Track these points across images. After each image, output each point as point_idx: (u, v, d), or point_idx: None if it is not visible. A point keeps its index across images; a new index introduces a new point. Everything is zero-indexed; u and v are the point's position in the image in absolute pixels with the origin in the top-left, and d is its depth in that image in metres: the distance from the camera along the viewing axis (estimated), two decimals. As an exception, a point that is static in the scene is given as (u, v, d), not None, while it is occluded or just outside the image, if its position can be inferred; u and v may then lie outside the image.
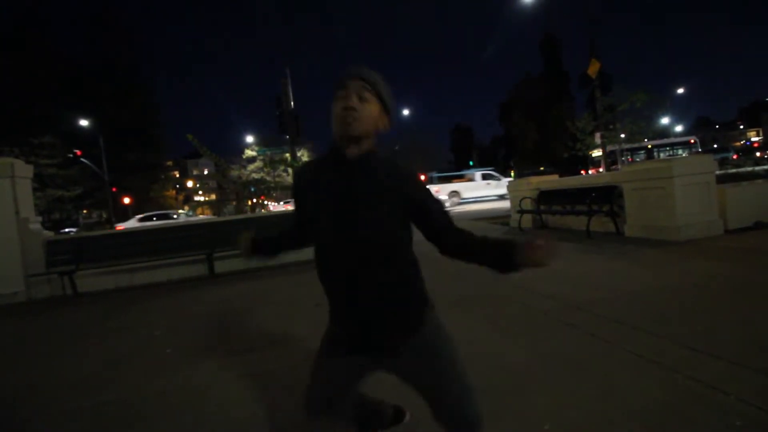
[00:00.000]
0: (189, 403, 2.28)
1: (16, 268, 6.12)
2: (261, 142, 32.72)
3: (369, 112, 1.14)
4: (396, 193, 1.14)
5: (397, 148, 37.66)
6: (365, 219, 1.12)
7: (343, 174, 1.14)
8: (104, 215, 36.11)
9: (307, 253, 1.32)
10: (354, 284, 1.14)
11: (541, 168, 34.73)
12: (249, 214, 8.42)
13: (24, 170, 6.61)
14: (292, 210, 1.41)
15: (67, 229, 28.44)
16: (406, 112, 37.64)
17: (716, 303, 2.91)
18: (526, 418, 1.78)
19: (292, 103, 13.31)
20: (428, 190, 1.22)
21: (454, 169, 35.20)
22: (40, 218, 6.96)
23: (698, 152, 23.33)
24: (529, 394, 1.96)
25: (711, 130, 55.38)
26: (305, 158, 25.78)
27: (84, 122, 26.61)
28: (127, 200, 31.29)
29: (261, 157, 28.86)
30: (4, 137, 27.04)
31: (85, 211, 36.37)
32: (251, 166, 30.39)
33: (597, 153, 22.24)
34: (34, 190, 8.27)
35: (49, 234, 6.84)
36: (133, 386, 2.58)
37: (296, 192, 1.27)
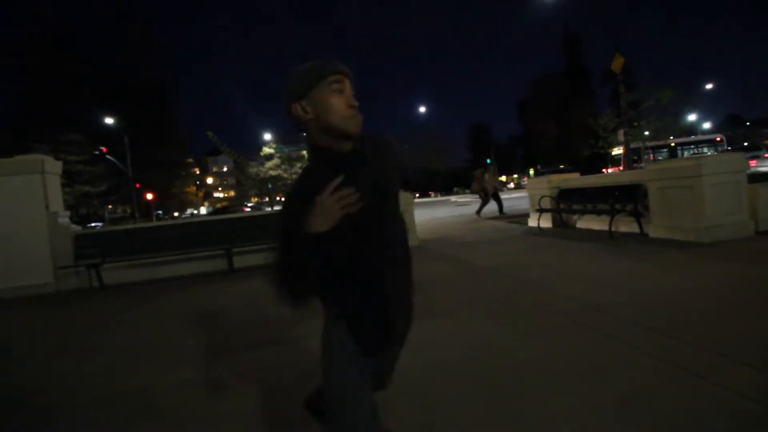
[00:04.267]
0: (206, 395, 2.32)
1: (46, 260, 6.36)
2: (279, 140, 33.07)
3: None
4: (389, 175, 1.14)
5: (407, 146, 37.48)
6: (375, 216, 1.09)
7: (365, 166, 1.09)
8: (128, 210, 37.16)
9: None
10: (379, 281, 1.13)
11: (561, 166, 34.04)
12: (267, 211, 8.52)
13: (54, 167, 6.86)
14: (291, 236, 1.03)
15: (93, 224, 29.44)
16: (422, 109, 37.43)
17: (745, 308, 2.80)
18: (545, 420, 1.75)
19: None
20: (394, 170, 1.17)
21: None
22: (68, 213, 7.22)
23: (725, 150, 22.46)
24: (548, 396, 1.93)
25: (741, 127, 53.23)
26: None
27: (109, 120, 27.41)
28: (150, 196, 32.13)
29: (278, 155, 29.17)
30: (34, 135, 28.10)
31: (110, 207, 37.51)
32: (269, 164, 30.75)
33: (617, 151, 21.68)
34: (63, 185, 8.57)
35: (77, 228, 7.09)
36: (154, 377, 2.65)
37: (293, 213, 1.04)
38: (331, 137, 1.08)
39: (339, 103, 1.05)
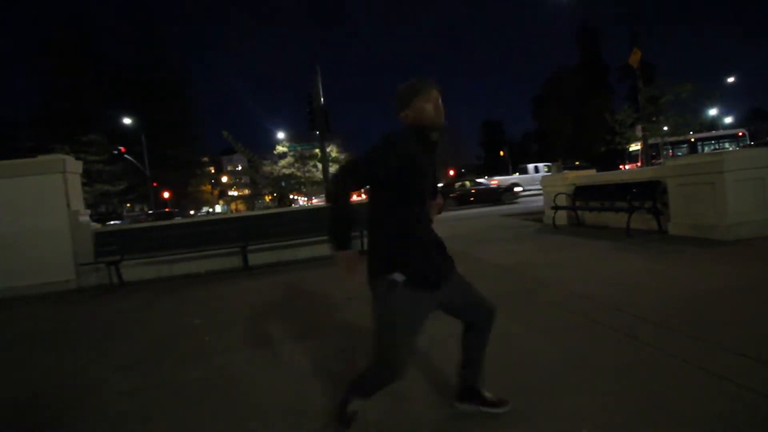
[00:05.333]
0: (224, 390, 2.36)
1: (68, 257, 6.54)
2: (292, 138, 33.26)
3: None
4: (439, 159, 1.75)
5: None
6: (434, 182, 1.72)
7: (432, 154, 1.65)
8: (146, 209, 37.93)
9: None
10: (434, 235, 1.65)
11: (577, 162, 33.44)
12: (282, 209, 8.60)
13: (74, 166, 7.04)
14: (376, 173, 1.52)
15: (112, 222, 30.15)
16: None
17: (772, 307, 2.71)
18: (564, 420, 1.73)
19: (322, 99, 13.47)
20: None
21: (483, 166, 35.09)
22: (88, 211, 7.39)
23: (747, 146, 21.73)
24: (567, 395, 1.90)
25: (766, 121, 51.50)
26: (334, 154, 26.00)
27: (127, 120, 27.98)
28: (166, 195, 32.73)
29: (292, 153, 29.35)
30: (55, 135, 28.88)
31: (128, 205, 38.33)
32: (282, 162, 30.98)
33: (634, 147, 21.18)
34: (83, 184, 8.78)
35: (97, 226, 7.26)
36: (173, 372, 2.71)
37: (399, 158, 1.51)
38: (432, 128, 1.63)
39: (435, 107, 1.62)
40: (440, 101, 1.63)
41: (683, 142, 22.61)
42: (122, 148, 26.59)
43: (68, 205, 6.65)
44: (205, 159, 45.14)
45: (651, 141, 17.17)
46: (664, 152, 17.78)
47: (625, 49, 12.95)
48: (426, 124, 1.60)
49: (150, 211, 29.06)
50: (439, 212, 1.82)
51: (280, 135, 33.49)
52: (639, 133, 16.01)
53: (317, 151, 15.00)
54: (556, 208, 7.80)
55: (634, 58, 12.72)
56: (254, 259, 6.88)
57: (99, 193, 31.87)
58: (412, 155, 1.54)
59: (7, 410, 2.42)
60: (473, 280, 1.81)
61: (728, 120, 33.84)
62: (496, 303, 1.81)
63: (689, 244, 4.90)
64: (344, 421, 1.64)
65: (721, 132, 25.47)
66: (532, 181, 24.46)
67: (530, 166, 26.91)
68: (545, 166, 26.68)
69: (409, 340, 1.56)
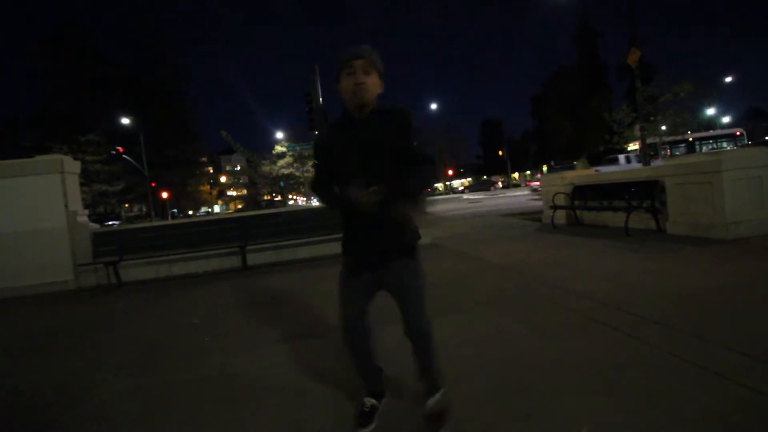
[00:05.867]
0: (224, 390, 2.36)
1: (67, 258, 6.52)
2: (290, 138, 33.29)
3: (372, 82, 1.53)
4: (388, 140, 1.54)
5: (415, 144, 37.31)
6: (371, 168, 1.53)
7: (355, 132, 1.56)
8: (144, 209, 37.86)
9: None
10: (370, 219, 1.54)
11: (575, 162, 33.46)
12: (281, 209, 8.59)
13: (72, 166, 7.02)
14: (318, 165, 1.73)
15: (110, 222, 30.08)
16: (433, 106, 37.16)
17: (770, 306, 2.72)
18: (563, 420, 1.73)
19: (321, 99, 13.47)
20: (409, 128, 1.56)
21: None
22: (87, 211, 7.38)
23: (745, 145, 21.78)
24: (566, 395, 1.90)
25: (764, 121, 51.58)
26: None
27: (126, 120, 27.94)
28: (165, 195, 32.69)
29: (291, 153, 29.36)
30: (53, 135, 28.83)
31: (126, 205, 38.27)
32: (281, 162, 30.98)
33: (632, 147, 21.19)
34: (81, 185, 8.77)
35: (95, 226, 7.25)
36: (173, 372, 2.70)
37: (321, 149, 1.68)
38: (350, 107, 1.57)
39: (348, 83, 1.52)
40: (361, 73, 1.49)
41: (681, 141, 22.68)
42: (120, 149, 26.57)
43: (66, 206, 6.64)
44: (204, 159, 45.11)
45: (649, 140, 17.21)
46: (662, 152, 17.80)
47: (624, 49, 12.95)
48: (347, 101, 1.56)
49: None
50: (415, 213, 1.48)
51: (279, 135, 33.54)
52: (637, 132, 16.03)
53: (316, 150, 14.98)
54: (554, 207, 7.81)
55: (633, 58, 12.72)
56: (253, 258, 6.87)
57: (97, 193, 31.85)
58: (322, 142, 1.66)
59: (7, 411, 2.41)
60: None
61: (726, 119, 33.91)
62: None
63: (687, 243, 4.91)
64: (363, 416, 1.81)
65: (719, 132, 25.49)
66: None
67: (621, 157, 22.61)
68: (636, 155, 23.50)
69: (344, 309, 1.72)
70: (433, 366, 1.76)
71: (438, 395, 1.78)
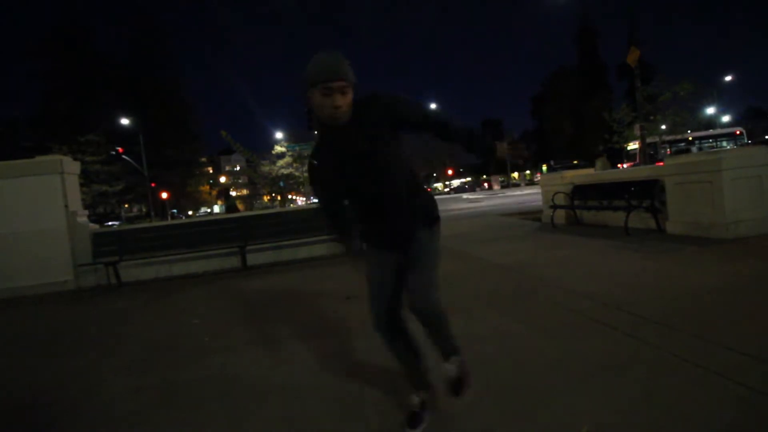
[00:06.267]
0: (224, 390, 2.35)
1: (66, 258, 6.52)
2: (290, 138, 33.23)
3: (348, 99, 1.47)
4: (378, 127, 1.51)
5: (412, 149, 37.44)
6: (373, 161, 1.53)
7: (341, 140, 1.53)
8: (144, 209, 37.83)
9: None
10: (383, 210, 1.60)
11: (575, 162, 33.44)
12: (281, 209, 8.59)
13: (72, 167, 7.02)
14: (319, 190, 1.71)
15: (110, 223, 30.05)
16: (433, 106, 37.09)
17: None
18: (563, 418, 1.73)
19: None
20: (396, 100, 1.55)
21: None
22: (86, 212, 7.38)
23: (745, 144, 21.75)
24: (566, 394, 1.90)
25: (763, 120, 51.60)
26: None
27: (125, 121, 27.90)
28: (164, 195, 32.66)
29: (290, 153, 29.30)
30: (53, 135, 28.80)
31: (126, 206, 38.24)
32: (280, 162, 30.93)
33: (632, 146, 21.14)
34: (81, 185, 8.76)
35: (95, 227, 7.24)
36: (173, 372, 2.70)
37: (316, 174, 1.65)
38: (326, 122, 1.51)
39: (325, 105, 1.44)
40: (339, 95, 1.42)
41: (681, 140, 22.64)
42: (120, 149, 26.55)
43: (66, 206, 6.64)
44: (204, 159, 45.06)
45: (649, 140, 17.20)
46: (662, 151, 17.79)
47: (624, 48, 12.94)
48: (322, 118, 1.50)
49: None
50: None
51: (279, 135, 33.44)
52: (637, 131, 16.04)
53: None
54: (554, 207, 7.80)
55: (632, 57, 12.72)
56: (253, 259, 6.87)
57: (97, 193, 31.81)
58: (316, 168, 1.64)
59: (7, 411, 2.41)
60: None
61: (726, 118, 33.90)
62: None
63: (687, 243, 4.91)
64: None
65: (719, 131, 25.46)
66: None
67: (695, 149, 21.22)
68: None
69: (371, 292, 1.73)
70: (448, 336, 1.69)
71: (456, 358, 1.71)
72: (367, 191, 1.59)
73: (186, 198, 39.61)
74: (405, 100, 1.57)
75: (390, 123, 1.54)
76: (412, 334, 1.79)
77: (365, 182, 1.57)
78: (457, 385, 1.69)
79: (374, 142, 1.52)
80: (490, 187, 46.56)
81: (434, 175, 64.01)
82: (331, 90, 1.41)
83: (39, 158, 6.92)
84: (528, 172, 59.04)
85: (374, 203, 1.61)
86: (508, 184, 53.18)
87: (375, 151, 1.53)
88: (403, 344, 1.77)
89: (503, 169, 58.45)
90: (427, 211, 1.69)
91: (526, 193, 25.54)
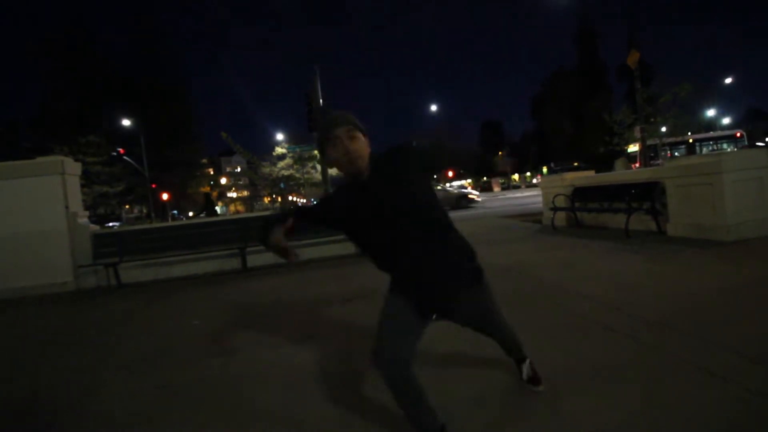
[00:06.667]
0: (224, 391, 2.35)
1: (67, 259, 6.52)
2: (291, 140, 33.29)
3: (360, 144, 1.47)
4: (404, 177, 1.49)
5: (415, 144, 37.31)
6: (402, 212, 1.45)
7: (368, 193, 1.48)
8: (144, 210, 37.85)
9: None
10: (415, 263, 1.47)
11: (575, 163, 33.45)
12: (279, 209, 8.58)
13: (73, 168, 7.02)
14: (318, 208, 1.68)
15: (111, 224, 30.06)
16: (433, 108, 37.13)
17: (771, 307, 2.72)
18: (563, 421, 1.72)
19: (321, 100, 13.45)
20: (409, 149, 1.57)
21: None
22: (87, 213, 7.38)
23: (746, 146, 21.75)
24: (566, 397, 1.90)
25: (764, 122, 51.59)
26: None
27: (126, 122, 27.94)
28: (165, 196, 32.67)
29: (291, 154, 29.33)
30: (54, 136, 28.84)
31: (127, 207, 38.25)
32: (281, 163, 30.97)
33: (633, 148, 21.16)
34: (81, 186, 8.76)
35: (95, 228, 7.25)
36: (172, 373, 2.70)
37: (333, 206, 1.60)
38: (348, 175, 1.51)
39: (336, 154, 1.47)
40: (347, 139, 1.45)
41: (681, 143, 22.65)
42: (121, 150, 26.58)
43: (67, 207, 6.64)
44: (204, 160, 45.05)
45: (649, 142, 17.21)
46: (662, 153, 17.79)
47: (624, 49, 12.96)
48: (342, 172, 1.51)
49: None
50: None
51: (279, 136, 33.49)
52: (638, 133, 16.05)
53: (316, 152, 14.98)
54: (555, 209, 7.80)
55: (632, 59, 12.74)
56: (253, 260, 6.86)
57: (98, 194, 31.81)
58: (333, 202, 1.61)
59: (7, 412, 2.41)
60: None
61: (726, 120, 33.89)
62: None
63: (688, 245, 4.91)
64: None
65: (719, 133, 25.46)
66: None
67: (706, 150, 21.06)
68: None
69: (381, 333, 1.48)
70: (519, 347, 1.96)
71: (528, 362, 2.00)
72: (398, 247, 1.49)
73: (187, 199, 39.61)
74: (422, 149, 1.62)
75: (413, 172, 1.52)
76: (415, 379, 1.48)
77: (389, 232, 1.47)
78: (534, 380, 1.97)
79: (403, 194, 1.47)
80: (491, 189, 46.51)
81: (435, 177, 63.99)
82: (338, 138, 1.45)
83: (40, 159, 6.92)
84: (528, 174, 59.03)
85: (398, 254, 1.50)
86: (508, 186, 53.17)
87: (407, 203, 1.47)
88: (413, 387, 1.49)
89: (503, 172, 58.44)
90: (470, 257, 1.58)
91: (526, 195, 25.54)
